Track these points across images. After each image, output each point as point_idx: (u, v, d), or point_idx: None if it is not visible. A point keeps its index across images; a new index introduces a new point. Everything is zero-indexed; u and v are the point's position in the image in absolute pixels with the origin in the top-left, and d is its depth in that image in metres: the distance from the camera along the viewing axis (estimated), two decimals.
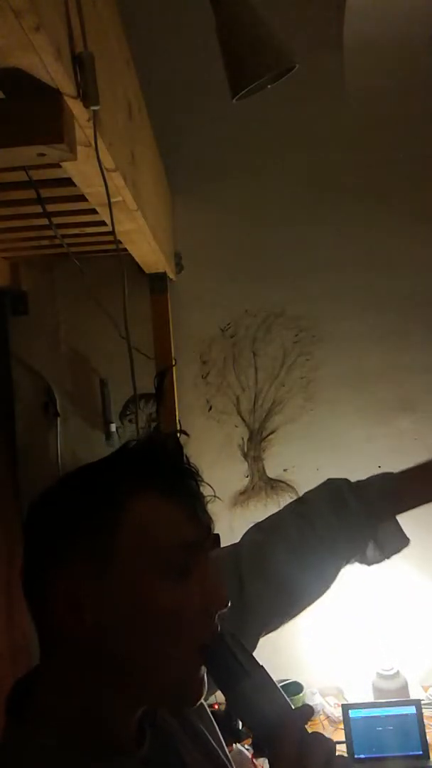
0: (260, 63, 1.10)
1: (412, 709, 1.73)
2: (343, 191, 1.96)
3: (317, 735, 0.60)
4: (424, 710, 1.74)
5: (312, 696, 1.91)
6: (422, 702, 1.75)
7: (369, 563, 0.95)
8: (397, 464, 2.13)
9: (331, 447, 1.97)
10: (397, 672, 1.86)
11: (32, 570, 0.66)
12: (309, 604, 0.91)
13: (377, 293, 1.97)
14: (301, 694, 1.88)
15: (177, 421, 1.95)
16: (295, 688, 1.88)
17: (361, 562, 0.96)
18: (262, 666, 0.64)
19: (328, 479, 0.96)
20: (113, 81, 0.97)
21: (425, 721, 1.73)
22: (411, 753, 1.69)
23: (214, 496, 0.70)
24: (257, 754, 0.63)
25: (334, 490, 0.94)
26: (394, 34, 1.80)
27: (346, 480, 0.95)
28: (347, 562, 0.93)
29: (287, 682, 1.90)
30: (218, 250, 1.99)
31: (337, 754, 0.60)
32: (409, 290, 1.96)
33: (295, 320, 1.99)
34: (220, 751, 0.76)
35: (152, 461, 0.67)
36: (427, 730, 1.72)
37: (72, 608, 0.60)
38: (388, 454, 1.96)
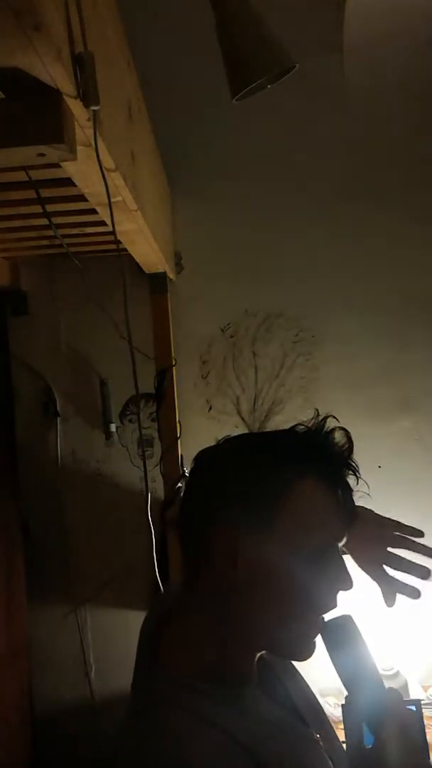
0: (260, 63, 1.10)
1: (412, 709, 1.72)
2: (343, 191, 1.96)
3: (411, 712, 0.76)
4: (424, 710, 1.73)
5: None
6: (422, 702, 1.75)
7: None
8: (397, 464, 2.15)
9: None
10: (397, 672, 1.86)
11: (198, 510, 0.76)
12: None
13: (377, 293, 1.97)
14: None
15: (177, 421, 1.95)
16: None
17: None
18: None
19: None
20: (113, 81, 0.97)
21: (425, 721, 1.73)
22: None
23: (368, 494, 0.83)
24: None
25: None
26: (394, 33, 1.80)
27: None
28: None
29: None
30: (218, 250, 1.99)
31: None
32: (409, 291, 1.96)
33: (295, 320, 1.99)
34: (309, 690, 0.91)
35: (321, 449, 0.75)
36: (427, 730, 1.72)
37: (229, 552, 0.71)
38: (388, 454, 1.96)
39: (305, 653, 0.76)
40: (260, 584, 0.71)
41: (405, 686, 1.85)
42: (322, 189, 1.96)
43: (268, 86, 1.19)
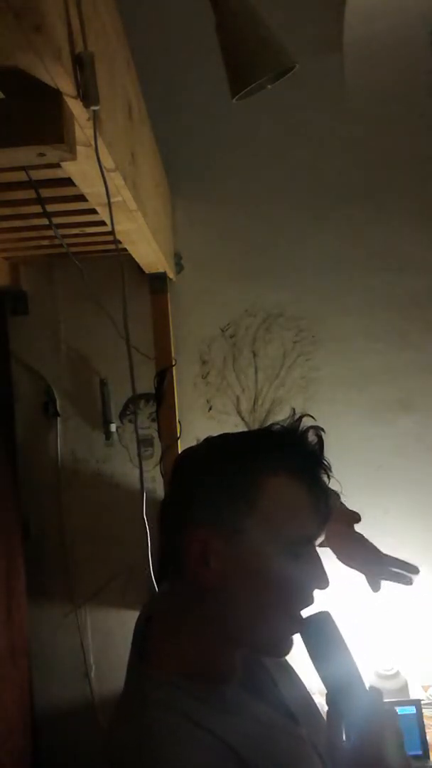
0: (260, 63, 1.10)
1: (412, 709, 1.73)
2: (343, 191, 1.96)
3: (392, 711, 0.73)
4: (424, 710, 1.73)
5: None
6: (422, 702, 1.75)
7: None
8: (397, 464, 2.14)
9: (331, 447, 1.95)
10: (397, 672, 1.86)
11: (171, 512, 0.77)
12: None
13: (377, 293, 1.97)
14: None
15: (177, 421, 1.95)
16: None
17: None
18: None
19: None
20: (113, 81, 0.97)
21: (425, 721, 1.73)
22: (411, 753, 1.69)
23: (341, 493, 0.82)
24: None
25: None
26: (394, 34, 1.80)
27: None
28: None
29: None
30: (218, 250, 1.99)
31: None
32: (409, 290, 1.96)
33: (295, 320, 1.99)
34: (301, 682, 0.91)
35: (294, 447, 0.76)
36: (427, 730, 1.72)
37: (201, 554, 0.71)
38: (388, 454, 1.96)
39: (282, 651, 0.77)
40: (233, 584, 0.72)
41: (405, 686, 1.85)
42: (321, 189, 1.96)
43: (268, 86, 1.19)
